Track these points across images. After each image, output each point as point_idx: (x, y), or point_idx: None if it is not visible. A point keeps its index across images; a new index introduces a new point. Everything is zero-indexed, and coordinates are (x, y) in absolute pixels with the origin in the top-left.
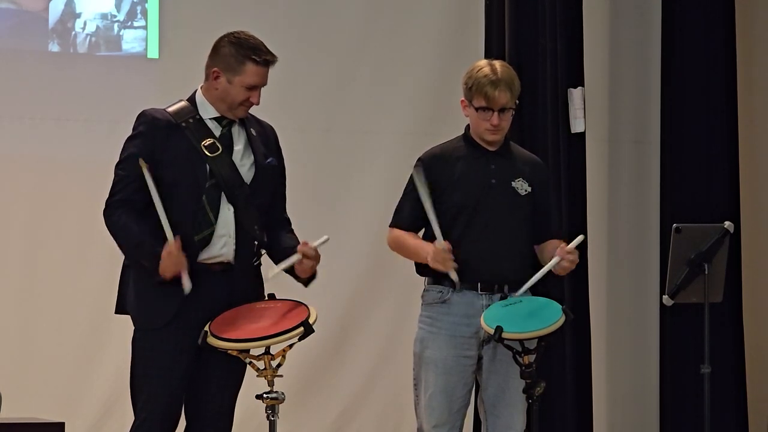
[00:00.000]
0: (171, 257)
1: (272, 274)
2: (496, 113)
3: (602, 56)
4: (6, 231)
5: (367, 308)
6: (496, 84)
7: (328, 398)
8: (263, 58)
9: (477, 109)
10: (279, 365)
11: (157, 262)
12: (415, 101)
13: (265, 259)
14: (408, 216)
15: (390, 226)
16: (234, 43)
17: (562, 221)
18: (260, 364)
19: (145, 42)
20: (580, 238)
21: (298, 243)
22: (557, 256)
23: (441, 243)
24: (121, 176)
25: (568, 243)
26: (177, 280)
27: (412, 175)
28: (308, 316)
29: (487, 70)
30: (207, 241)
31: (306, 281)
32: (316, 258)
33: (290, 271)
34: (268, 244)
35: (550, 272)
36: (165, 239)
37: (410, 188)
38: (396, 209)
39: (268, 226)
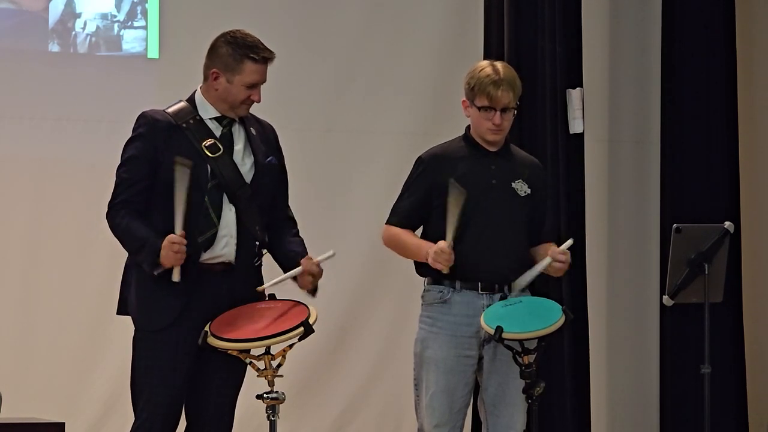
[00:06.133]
0: (173, 247)
1: (268, 285)
2: (498, 113)
3: (602, 56)
4: (6, 231)
5: (367, 308)
6: (498, 84)
7: (328, 398)
8: (261, 55)
9: (479, 109)
10: (279, 365)
11: (158, 257)
12: (415, 101)
13: (266, 259)
14: (406, 214)
15: (386, 223)
16: (231, 42)
17: (560, 223)
18: (260, 364)
19: (145, 42)
20: (569, 241)
21: (303, 248)
22: (548, 257)
23: (448, 243)
24: (123, 179)
25: (559, 246)
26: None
27: (411, 172)
28: (308, 316)
29: (489, 70)
30: (210, 242)
31: (312, 292)
32: (319, 274)
33: (293, 277)
34: (272, 245)
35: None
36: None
37: (408, 186)
38: (394, 207)
39: (270, 226)
